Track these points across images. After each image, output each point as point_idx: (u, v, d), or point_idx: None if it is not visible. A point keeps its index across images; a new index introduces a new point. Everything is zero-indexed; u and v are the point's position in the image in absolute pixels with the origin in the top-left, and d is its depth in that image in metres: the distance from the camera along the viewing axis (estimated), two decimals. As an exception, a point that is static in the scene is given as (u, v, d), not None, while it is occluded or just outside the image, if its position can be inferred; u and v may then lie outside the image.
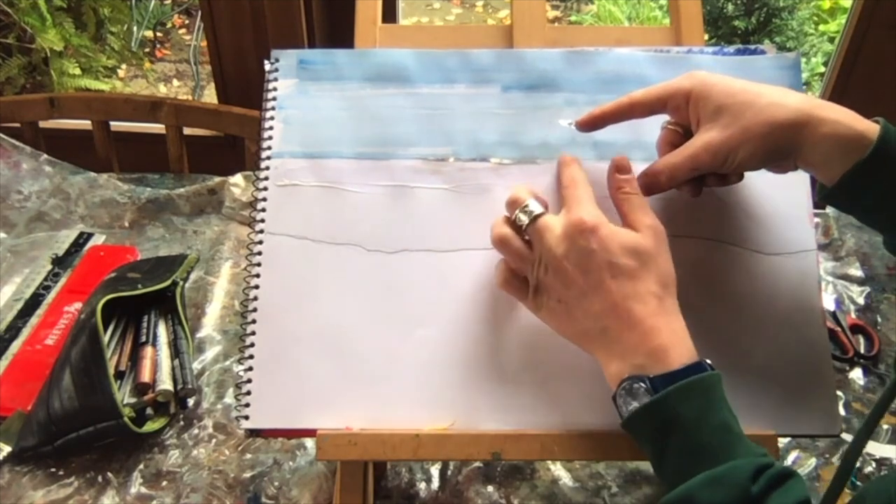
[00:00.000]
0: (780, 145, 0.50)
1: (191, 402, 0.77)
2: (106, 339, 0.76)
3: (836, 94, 1.16)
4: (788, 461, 0.73)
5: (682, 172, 0.53)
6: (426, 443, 0.54)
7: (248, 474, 0.71)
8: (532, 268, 0.52)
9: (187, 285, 0.90)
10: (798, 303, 0.57)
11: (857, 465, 0.73)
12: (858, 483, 0.71)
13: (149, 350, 0.78)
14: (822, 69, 2.39)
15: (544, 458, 0.66)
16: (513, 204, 0.54)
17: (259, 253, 0.59)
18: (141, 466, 0.72)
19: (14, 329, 0.84)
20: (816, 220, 0.90)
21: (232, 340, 0.84)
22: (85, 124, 1.16)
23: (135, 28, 2.58)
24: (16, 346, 0.82)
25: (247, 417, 0.55)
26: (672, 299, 0.50)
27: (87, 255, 0.94)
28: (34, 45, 2.10)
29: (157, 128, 1.15)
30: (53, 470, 0.71)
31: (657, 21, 2.79)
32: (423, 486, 0.71)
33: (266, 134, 0.62)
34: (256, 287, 0.58)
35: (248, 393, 0.56)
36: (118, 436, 0.72)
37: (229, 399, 0.78)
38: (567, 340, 0.53)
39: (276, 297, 0.58)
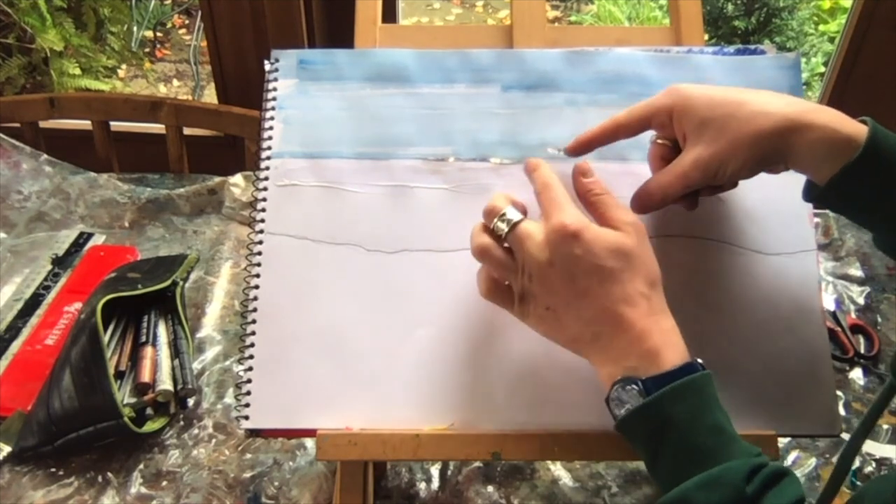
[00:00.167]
0: (769, 154, 0.50)
1: (191, 402, 0.77)
2: (106, 339, 0.76)
3: (836, 94, 1.16)
4: (788, 461, 0.73)
5: (675, 191, 0.53)
6: (426, 443, 0.54)
7: (248, 474, 0.71)
8: (516, 276, 0.51)
9: (187, 285, 0.90)
10: (798, 303, 0.57)
11: (858, 465, 0.73)
12: (858, 483, 0.71)
13: (149, 350, 0.78)
14: (822, 69, 2.39)
15: (544, 458, 0.66)
16: (490, 213, 0.52)
17: (259, 253, 0.59)
18: (141, 466, 0.72)
19: (14, 329, 0.84)
20: (816, 220, 0.90)
21: (232, 340, 0.84)
22: (85, 124, 1.16)
23: (135, 28, 2.58)
24: (16, 346, 0.82)
25: (247, 417, 0.55)
26: (659, 296, 0.50)
27: (87, 255, 0.94)
28: (34, 45, 2.10)
29: (157, 128, 1.15)
30: (53, 470, 0.71)
31: (657, 21, 2.79)
32: (423, 486, 0.71)
33: (266, 134, 0.62)
34: (256, 287, 0.58)
35: (248, 393, 0.56)
36: (118, 436, 0.72)
37: (229, 399, 0.78)
38: None
39: (276, 297, 0.58)
